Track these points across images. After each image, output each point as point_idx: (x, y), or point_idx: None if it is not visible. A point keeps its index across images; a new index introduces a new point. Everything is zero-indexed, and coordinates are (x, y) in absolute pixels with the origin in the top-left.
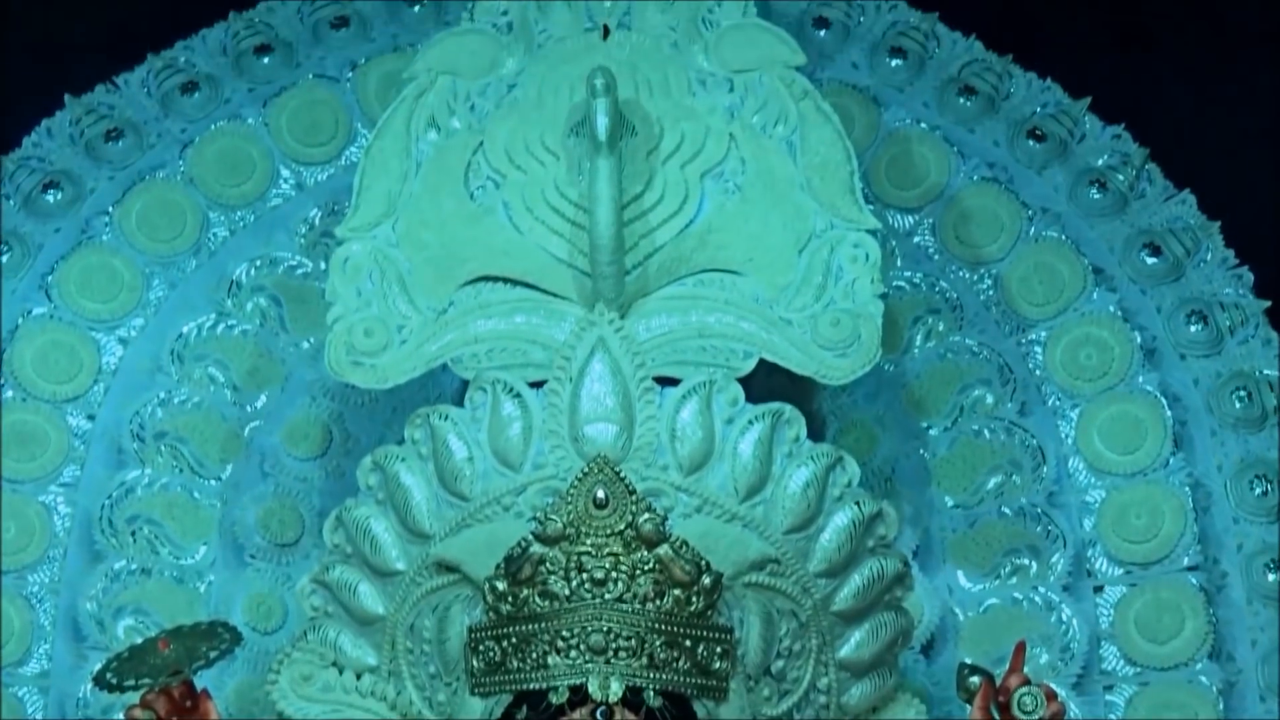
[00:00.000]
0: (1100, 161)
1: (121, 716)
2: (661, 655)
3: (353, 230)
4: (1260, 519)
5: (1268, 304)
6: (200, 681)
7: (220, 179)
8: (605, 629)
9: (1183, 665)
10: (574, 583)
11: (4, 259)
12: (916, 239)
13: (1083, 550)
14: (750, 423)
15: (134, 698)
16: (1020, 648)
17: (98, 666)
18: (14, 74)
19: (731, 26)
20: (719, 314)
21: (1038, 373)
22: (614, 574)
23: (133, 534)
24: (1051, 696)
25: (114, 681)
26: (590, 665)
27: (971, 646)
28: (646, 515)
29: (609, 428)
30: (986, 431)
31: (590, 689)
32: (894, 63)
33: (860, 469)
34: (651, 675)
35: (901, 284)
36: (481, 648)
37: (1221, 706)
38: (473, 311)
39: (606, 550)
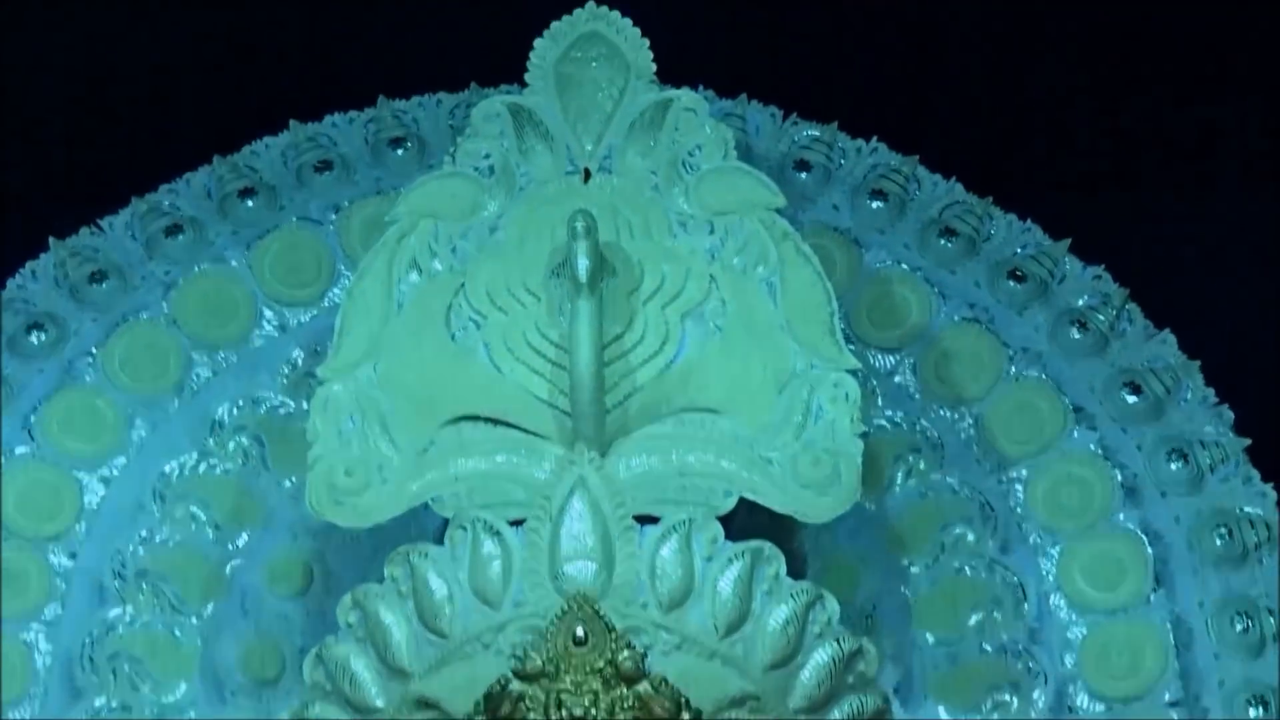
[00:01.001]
0: (1081, 302)
1: None
2: None
3: (334, 371)
4: (1241, 655)
5: (1248, 442)
6: None
7: (203, 320)
8: None
9: None
10: (553, 719)
11: None
12: (897, 379)
13: (1064, 686)
14: (730, 561)
15: None
16: None
17: None
18: None
19: (711, 170)
20: (699, 453)
21: (1019, 510)
22: (593, 711)
23: (113, 672)
24: None
25: None
26: None
27: None
28: (626, 653)
29: (589, 566)
30: (968, 569)
31: None
32: (875, 205)
33: (841, 606)
34: None
35: (882, 423)
36: None
37: None
38: (453, 451)
39: (586, 687)
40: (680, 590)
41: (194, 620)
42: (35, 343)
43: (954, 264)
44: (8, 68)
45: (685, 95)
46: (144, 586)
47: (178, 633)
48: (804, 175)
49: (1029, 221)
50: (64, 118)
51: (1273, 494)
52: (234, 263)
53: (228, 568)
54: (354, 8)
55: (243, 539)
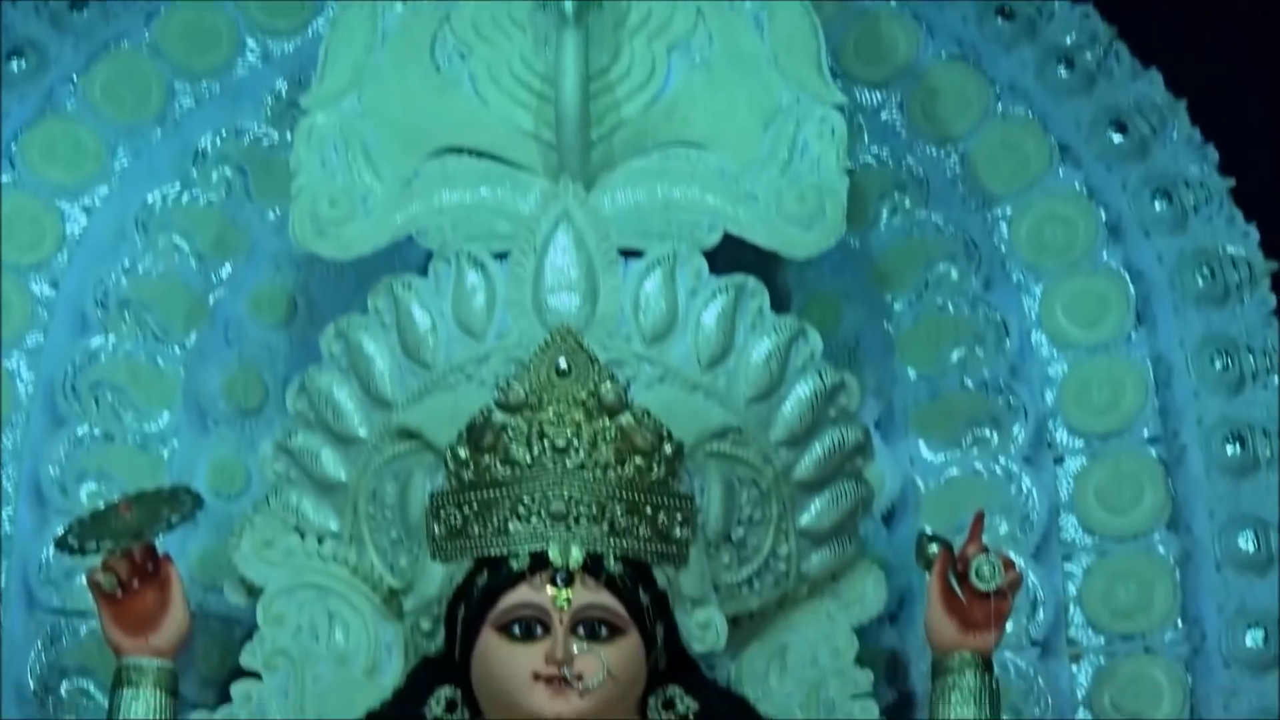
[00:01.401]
0: (1068, 39)
1: (84, 580)
2: (622, 522)
3: (318, 101)
4: (1220, 393)
5: (1232, 182)
6: (162, 546)
7: (186, 49)
8: (566, 496)
9: (1141, 535)
10: (535, 450)
11: None
12: (884, 115)
13: (1044, 422)
14: (714, 294)
15: (96, 561)
16: (979, 517)
17: (60, 530)
18: None
19: None
20: (684, 187)
21: (1002, 248)
22: (575, 441)
23: (96, 400)
24: (1009, 565)
25: (75, 545)
26: (551, 531)
27: (931, 516)
28: (608, 384)
29: (572, 298)
30: (951, 306)
31: (551, 555)
32: None
33: (824, 341)
34: (612, 541)
35: (868, 159)
36: (443, 514)
37: (1178, 576)
38: (438, 183)
39: (568, 418)
40: (663, 323)
41: (176, 349)
42: (15, 70)
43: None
44: None
45: None
46: (126, 315)
47: (160, 361)
48: None
49: None
50: None
51: (1255, 233)
52: None
53: (210, 297)
54: None
55: (226, 269)
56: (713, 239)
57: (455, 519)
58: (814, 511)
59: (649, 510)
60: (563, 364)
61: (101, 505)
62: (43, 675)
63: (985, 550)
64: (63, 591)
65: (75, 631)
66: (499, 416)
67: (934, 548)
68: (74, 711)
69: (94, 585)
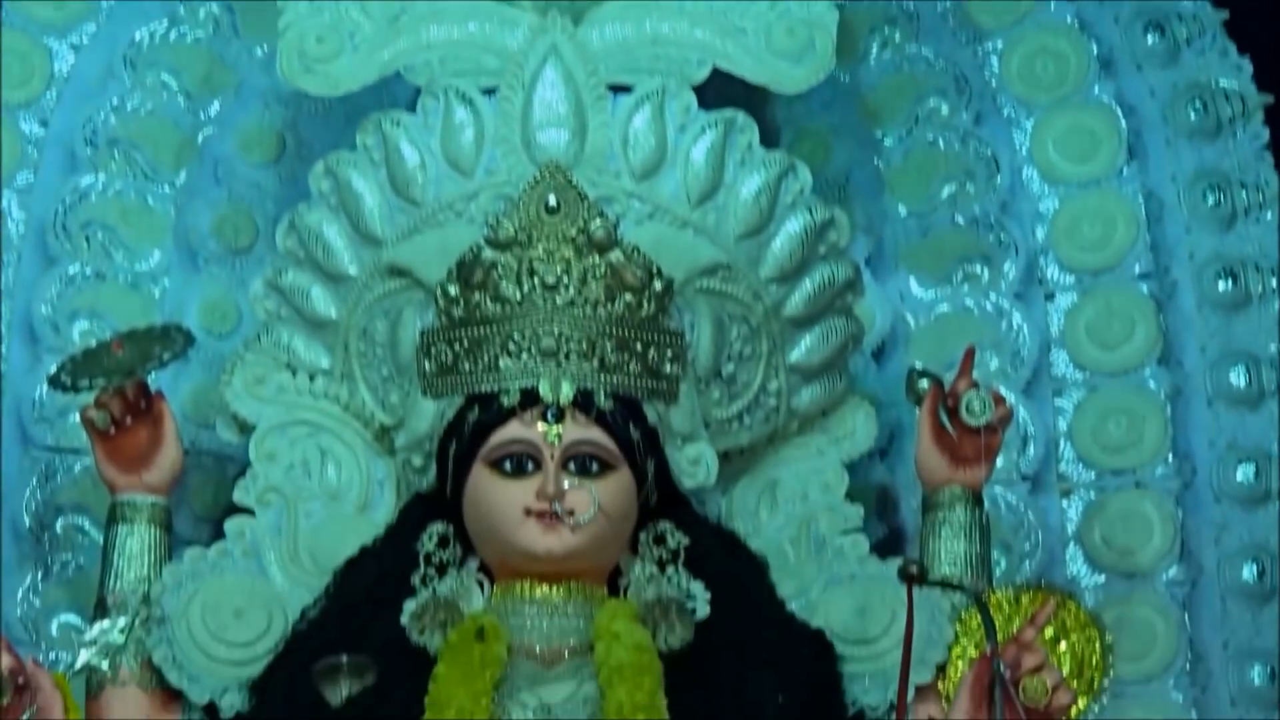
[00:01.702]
0: None
1: (77, 417)
2: (612, 358)
3: None
4: (1212, 228)
5: (1225, 14)
6: (154, 384)
7: None
8: (556, 332)
9: (1132, 371)
10: (525, 287)
11: None
12: None
13: (1035, 258)
14: (703, 130)
15: (89, 399)
16: (969, 353)
17: (52, 369)
18: None
19: None
20: (673, 21)
21: (993, 83)
22: (565, 278)
23: (86, 239)
24: (1000, 400)
25: (68, 383)
26: (541, 368)
27: (922, 352)
28: (598, 220)
29: (561, 134)
30: (941, 141)
31: (541, 391)
32: None
33: (814, 177)
34: (602, 378)
35: None
36: (433, 350)
37: (1169, 411)
38: (425, 18)
39: (558, 255)
40: (653, 159)
41: (166, 188)
42: None
43: None
44: None
45: None
46: (116, 154)
47: (150, 200)
48: None
49: None
50: None
51: (1248, 66)
52: None
53: (199, 135)
54: None
55: (214, 107)
56: (702, 74)
57: (446, 356)
58: (804, 347)
59: (639, 346)
60: (552, 200)
61: (94, 343)
62: (38, 513)
63: (976, 385)
64: (56, 429)
65: (69, 469)
66: (488, 253)
67: (924, 383)
68: (69, 549)
69: (87, 422)
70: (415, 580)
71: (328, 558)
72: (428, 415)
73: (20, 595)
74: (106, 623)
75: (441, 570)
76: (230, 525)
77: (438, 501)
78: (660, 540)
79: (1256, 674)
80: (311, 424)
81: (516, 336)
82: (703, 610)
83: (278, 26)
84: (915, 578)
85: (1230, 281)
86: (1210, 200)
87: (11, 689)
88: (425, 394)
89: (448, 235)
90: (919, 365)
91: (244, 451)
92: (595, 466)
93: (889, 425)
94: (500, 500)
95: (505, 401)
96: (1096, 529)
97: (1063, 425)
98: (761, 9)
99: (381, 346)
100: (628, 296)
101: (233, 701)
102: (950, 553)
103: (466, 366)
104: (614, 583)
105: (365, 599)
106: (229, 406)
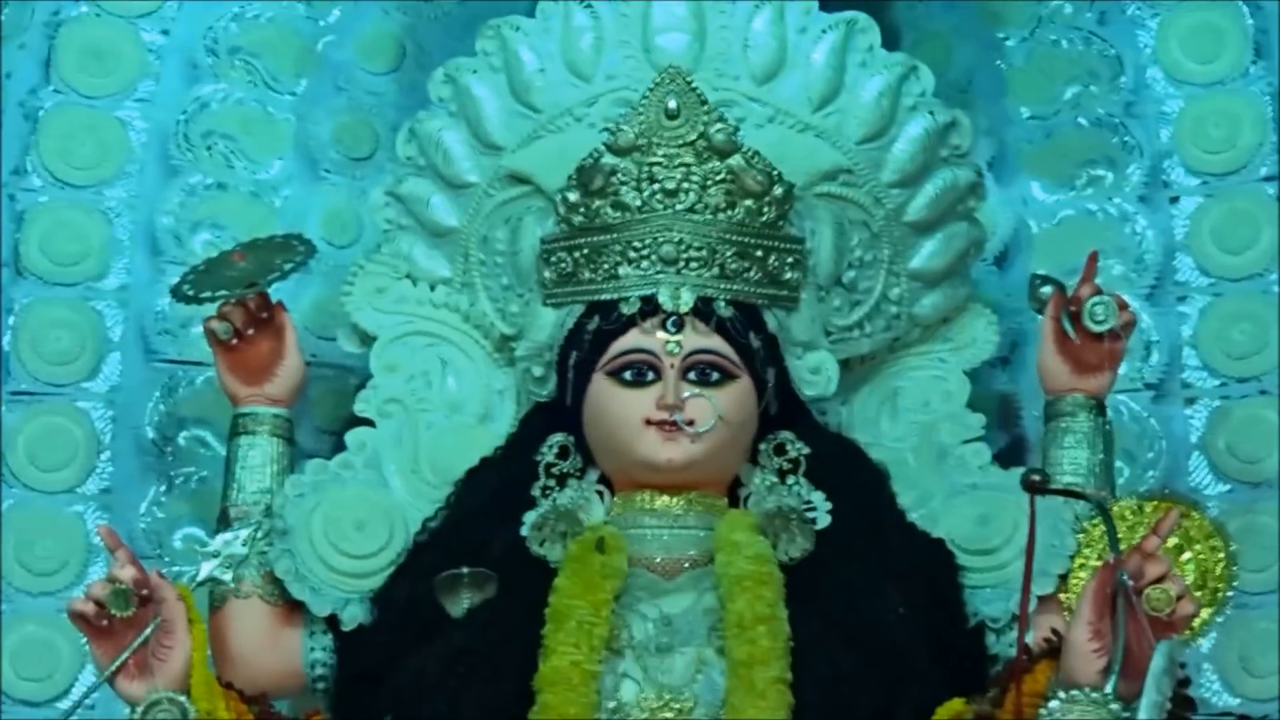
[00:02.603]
0: None
1: (199, 329)
2: (732, 265)
3: None
4: None
5: None
6: (275, 294)
7: None
8: (677, 239)
9: (1257, 276)
10: (645, 193)
11: None
12: None
13: (1159, 161)
14: (824, 31)
15: (211, 310)
16: (1093, 258)
17: (175, 280)
18: None
19: None
20: None
21: None
22: (685, 184)
23: (208, 149)
24: (1123, 306)
25: (191, 294)
26: (661, 275)
27: (1044, 258)
28: (719, 125)
29: (681, 37)
30: (1065, 41)
31: (661, 299)
32: None
33: (935, 80)
34: (722, 285)
35: None
36: (553, 259)
37: None
38: None
39: (678, 161)
40: (773, 62)
41: (287, 97)
42: None
43: None
44: None
45: None
46: (236, 63)
47: (270, 109)
48: None
49: None
50: None
51: None
52: None
53: (319, 43)
54: None
55: (334, 14)
56: None
57: (566, 264)
58: (925, 253)
59: (759, 253)
60: (672, 105)
61: (215, 254)
62: (161, 426)
63: (1099, 291)
64: (179, 341)
65: (192, 381)
66: (608, 159)
67: (1047, 289)
68: (192, 461)
69: (209, 333)
70: (535, 491)
71: (448, 469)
72: (548, 324)
73: (144, 508)
74: (229, 535)
75: (562, 481)
76: (351, 437)
77: (558, 412)
78: (780, 450)
79: None
80: (432, 334)
81: (636, 244)
82: (823, 520)
83: None
84: (1037, 487)
85: None
86: None
87: (135, 601)
88: (545, 303)
89: (567, 141)
90: (1042, 271)
91: (365, 362)
92: (715, 375)
93: (1011, 333)
94: (620, 410)
95: (625, 310)
96: (1221, 437)
97: (1187, 332)
98: None
99: (502, 255)
100: (748, 202)
101: (354, 614)
102: (1073, 461)
103: (586, 274)
104: (734, 493)
105: (486, 511)
106: (350, 317)
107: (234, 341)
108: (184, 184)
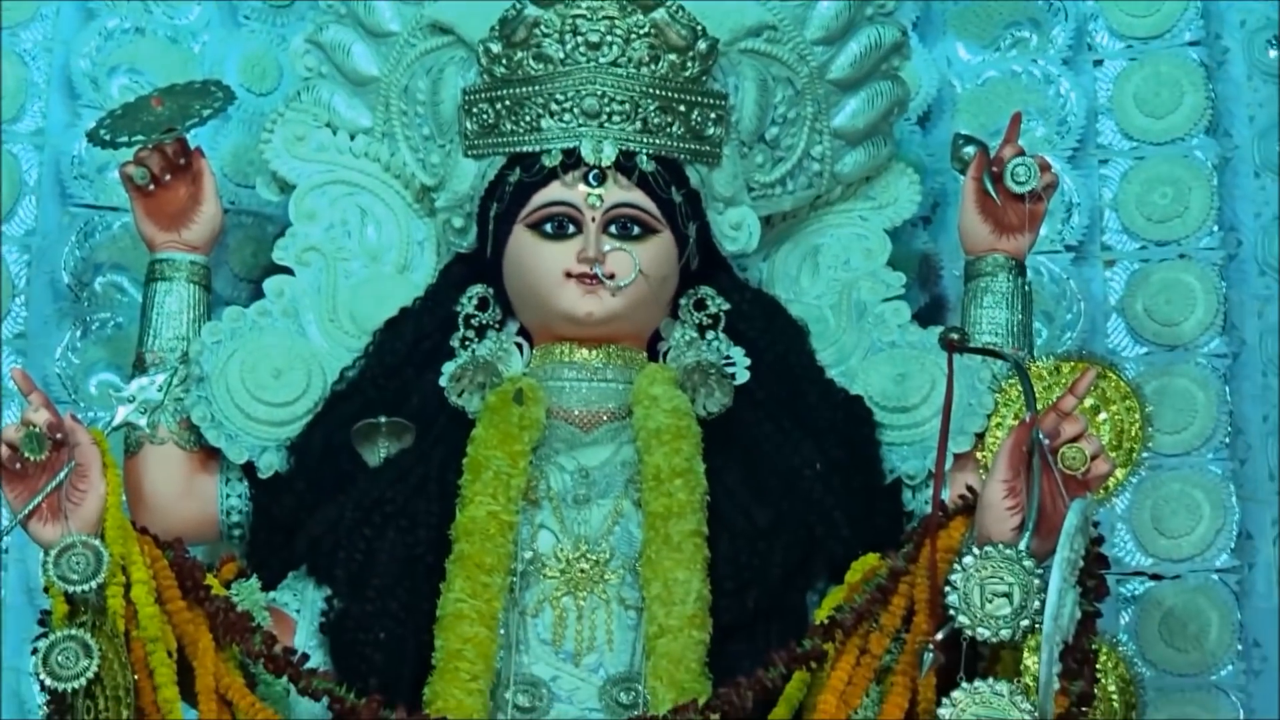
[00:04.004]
0: None
1: (116, 174)
2: (655, 120)
3: None
4: None
5: None
6: (194, 141)
7: None
8: (599, 92)
9: (1179, 140)
10: (569, 46)
11: None
12: None
13: (1084, 24)
14: None
15: (128, 155)
16: (1016, 119)
17: (91, 124)
18: None
19: None
20: None
21: None
22: (609, 37)
23: None
24: (1045, 168)
25: (108, 138)
26: (584, 129)
27: (968, 118)
28: None
29: None
30: None
31: (583, 152)
32: None
33: None
34: (645, 139)
35: None
36: (475, 110)
37: (1216, 181)
38: None
39: (602, 14)
40: None
41: None
42: None
43: None
44: None
45: None
46: None
47: None
48: None
49: None
50: None
51: None
52: None
53: None
54: None
55: None
56: None
57: (487, 115)
58: (849, 111)
59: (682, 108)
60: None
61: (133, 99)
62: (77, 270)
63: (1021, 152)
64: (95, 186)
65: (108, 226)
66: (532, 11)
67: (970, 149)
68: (108, 306)
69: (126, 178)
70: (454, 342)
71: (367, 318)
72: (468, 175)
73: (59, 353)
74: (145, 380)
75: (481, 333)
76: (270, 284)
77: (478, 263)
78: (701, 305)
79: None
80: (351, 183)
81: (559, 96)
82: (742, 375)
83: None
84: (956, 345)
85: None
86: None
87: (49, 445)
88: (466, 154)
89: None
90: (964, 132)
91: (284, 210)
92: (636, 229)
93: (933, 192)
94: (540, 262)
95: (547, 162)
96: (1139, 300)
97: (1108, 194)
98: None
99: (423, 105)
100: (672, 57)
101: (271, 461)
102: (991, 321)
103: (508, 126)
104: (654, 347)
105: (404, 360)
106: (269, 165)
107: (151, 187)
108: (101, 27)
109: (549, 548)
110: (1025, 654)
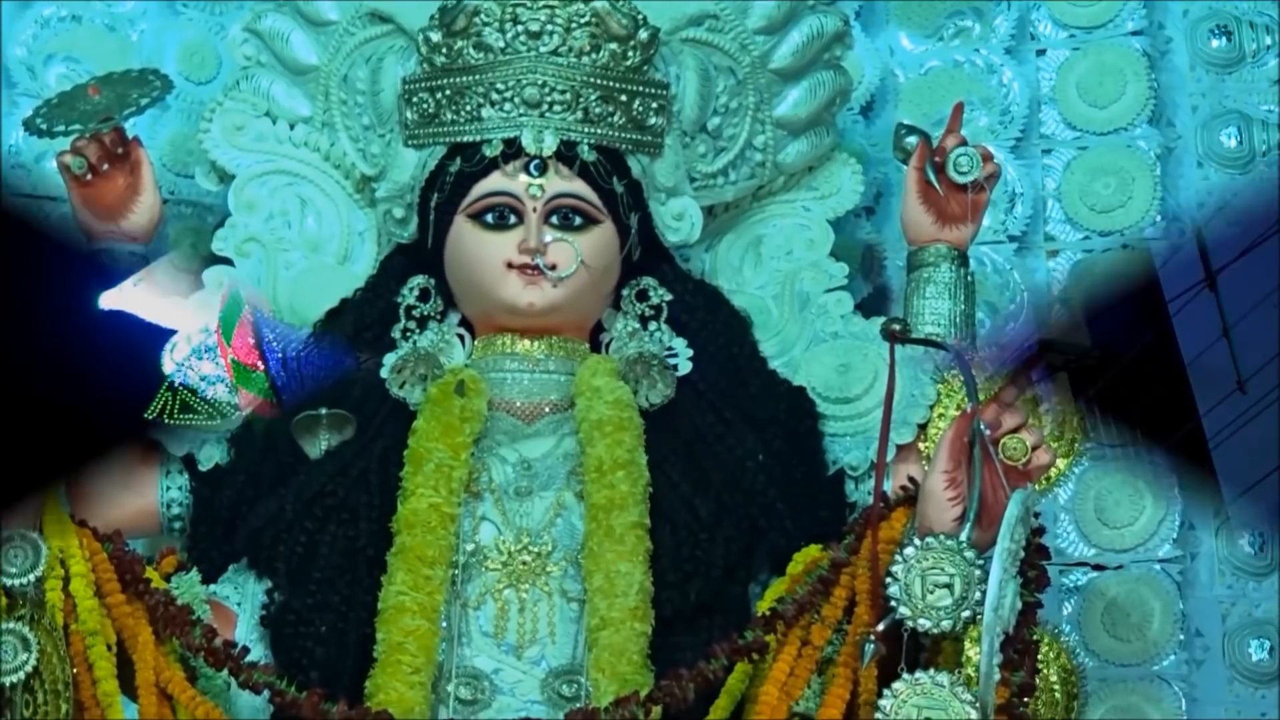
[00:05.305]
0: None
1: (54, 163)
2: (596, 109)
3: None
4: None
5: None
6: (132, 130)
7: None
8: (540, 82)
9: (1122, 130)
10: (509, 35)
11: None
12: None
13: (1027, 13)
14: None
15: (65, 144)
16: (958, 109)
17: (28, 113)
18: None
19: None
20: None
21: None
22: (550, 26)
23: None
24: (988, 158)
25: (44, 127)
26: (524, 118)
27: (910, 108)
28: None
29: None
30: None
31: (524, 142)
32: None
33: None
34: (586, 129)
35: None
36: (415, 99)
37: (1159, 172)
38: None
39: (542, 3)
40: None
41: None
42: None
43: None
44: None
45: None
46: None
47: None
48: None
49: None
50: None
51: None
52: None
53: None
54: None
55: None
56: None
57: (428, 105)
58: (791, 101)
59: (624, 98)
60: None
61: (70, 87)
62: None
63: (964, 142)
64: (33, 176)
65: (46, 217)
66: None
67: (912, 139)
68: None
69: (63, 168)
70: (395, 333)
71: (307, 309)
72: (409, 165)
73: None
74: None
75: (422, 324)
76: (209, 274)
77: (419, 254)
78: (643, 296)
79: None
80: (291, 173)
81: (500, 86)
82: (684, 367)
83: None
84: (898, 336)
85: (1224, 39)
86: None
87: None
88: (407, 144)
89: None
90: (907, 122)
91: (223, 200)
92: (578, 220)
93: (876, 182)
94: (481, 253)
95: (488, 152)
96: (1083, 290)
97: (1051, 184)
98: None
99: (363, 94)
100: (613, 46)
101: (211, 454)
102: (934, 311)
103: (448, 116)
104: (596, 339)
105: None
106: (208, 154)
107: (89, 177)
108: (37, 15)
109: (491, 540)
110: (967, 645)
